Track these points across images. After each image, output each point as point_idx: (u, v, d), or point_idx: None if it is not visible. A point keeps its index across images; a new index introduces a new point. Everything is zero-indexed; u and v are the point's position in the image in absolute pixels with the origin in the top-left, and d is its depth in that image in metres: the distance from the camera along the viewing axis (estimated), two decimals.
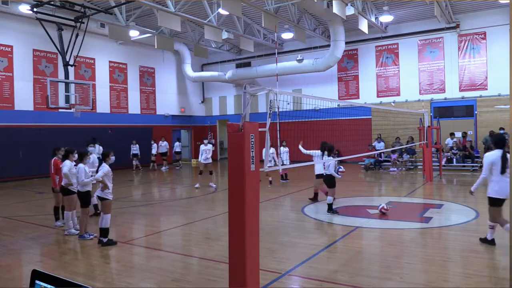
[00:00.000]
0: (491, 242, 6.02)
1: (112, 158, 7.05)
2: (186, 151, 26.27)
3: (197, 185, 13.50)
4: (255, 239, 4.33)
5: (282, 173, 14.70)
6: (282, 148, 14.23)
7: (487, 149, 16.85)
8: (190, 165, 24.03)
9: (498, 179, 5.76)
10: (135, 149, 19.90)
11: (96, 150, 18.19)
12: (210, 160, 13.69)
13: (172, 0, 14.89)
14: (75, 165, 7.35)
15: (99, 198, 6.77)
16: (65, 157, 7.70)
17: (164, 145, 20.64)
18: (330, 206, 8.72)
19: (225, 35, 18.15)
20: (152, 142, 20.75)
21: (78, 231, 7.28)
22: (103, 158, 6.98)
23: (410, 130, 17.27)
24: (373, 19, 17.73)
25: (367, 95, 20.56)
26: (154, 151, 20.68)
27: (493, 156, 5.88)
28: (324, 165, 8.92)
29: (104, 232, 6.66)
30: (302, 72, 20.22)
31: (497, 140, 6.06)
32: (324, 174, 8.97)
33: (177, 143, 21.74)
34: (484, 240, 6.18)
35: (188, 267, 5.68)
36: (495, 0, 16.37)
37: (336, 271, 5.17)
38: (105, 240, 6.63)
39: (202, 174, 13.70)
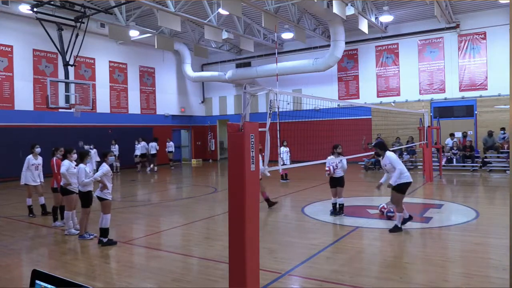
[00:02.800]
0: (400, 229, 7.06)
1: (111, 158, 7.05)
2: (187, 151, 26.29)
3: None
4: (255, 239, 4.33)
5: (282, 173, 14.69)
6: (282, 148, 14.24)
7: (486, 149, 16.90)
8: (190, 165, 24.05)
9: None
10: (114, 149, 18.36)
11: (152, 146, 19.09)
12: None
13: (172, 0, 14.90)
14: (75, 165, 7.35)
15: (99, 198, 6.76)
16: (64, 157, 7.70)
17: (142, 145, 19.89)
18: (342, 207, 8.67)
19: (225, 35, 18.15)
20: (136, 143, 20.05)
21: (78, 231, 7.28)
22: (102, 158, 6.98)
23: (410, 130, 17.27)
24: (373, 19, 17.73)
25: (367, 95, 20.56)
26: (138, 152, 19.96)
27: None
28: (337, 165, 8.65)
29: (104, 232, 6.66)
30: (302, 72, 20.22)
31: (382, 146, 7.54)
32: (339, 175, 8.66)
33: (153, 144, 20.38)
34: (395, 229, 7.06)
35: (188, 267, 5.68)
36: (495, 0, 16.37)
37: (336, 271, 5.17)
38: (105, 240, 6.63)
39: None
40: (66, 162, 7.48)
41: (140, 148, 19.95)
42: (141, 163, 19.97)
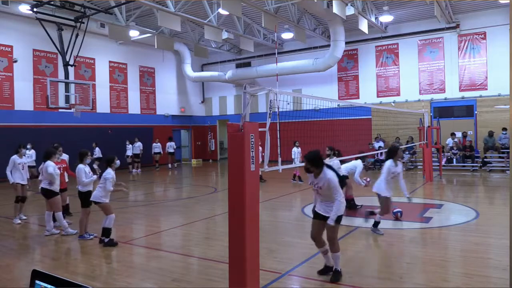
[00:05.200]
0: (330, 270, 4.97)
1: (117, 162, 7.00)
2: (187, 151, 26.29)
3: (17, 221, 8.59)
4: (255, 239, 4.33)
5: (295, 173, 14.31)
6: (295, 148, 13.97)
7: (486, 149, 16.92)
8: (190, 165, 24.05)
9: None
10: (95, 152, 17.47)
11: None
12: (24, 180, 8.85)
13: (172, 0, 14.90)
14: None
15: (95, 203, 6.73)
16: (48, 157, 7.52)
17: (137, 146, 19.77)
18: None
19: (225, 35, 18.15)
20: (127, 143, 19.77)
21: (77, 231, 7.27)
22: (108, 164, 6.85)
23: (410, 130, 17.27)
24: (373, 19, 17.73)
25: (367, 95, 20.56)
26: (129, 153, 19.68)
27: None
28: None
29: (106, 232, 6.66)
30: (302, 72, 20.22)
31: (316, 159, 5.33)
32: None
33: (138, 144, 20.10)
34: (326, 271, 4.99)
35: (188, 267, 5.68)
36: (495, 0, 16.37)
37: None
38: (106, 240, 6.63)
39: (24, 202, 8.91)
40: (51, 163, 7.41)
41: (132, 148, 19.77)
42: (132, 164, 19.78)
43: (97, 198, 6.70)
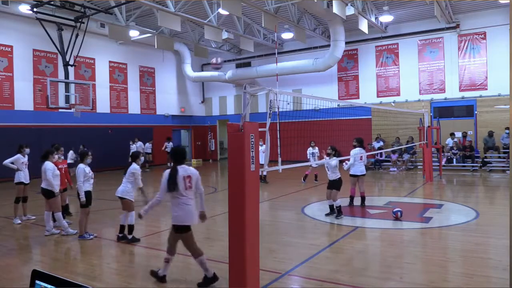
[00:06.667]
0: (163, 279, 4.98)
1: (142, 158, 7.13)
2: (187, 151, 26.24)
3: (17, 221, 8.62)
4: (255, 239, 4.33)
5: (310, 173, 14.03)
6: (310, 148, 13.79)
7: (486, 149, 16.92)
8: (190, 165, 24.02)
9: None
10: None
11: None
12: (27, 179, 9.09)
13: (172, 0, 14.90)
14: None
15: (120, 198, 6.78)
16: (45, 158, 7.53)
17: (139, 145, 19.70)
18: (339, 209, 8.44)
19: (225, 35, 18.14)
20: (130, 143, 19.77)
21: (77, 231, 7.27)
22: (133, 159, 6.99)
23: (410, 130, 17.27)
24: (373, 19, 17.72)
25: (367, 95, 20.55)
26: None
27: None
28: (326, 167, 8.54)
29: (130, 228, 6.77)
30: (302, 72, 20.22)
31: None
32: (337, 178, 8.39)
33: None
34: (155, 275, 5.03)
35: (188, 267, 5.68)
36: (495, 0, 16.37)
37: (336, 271, 5.17)
38: (130, 237, 6.74)
39: (25, 201, 9.04)
40: (50, 165, 7.41)
41: (135, 148, 19.77)
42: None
43: (124, 193, 6.75)
